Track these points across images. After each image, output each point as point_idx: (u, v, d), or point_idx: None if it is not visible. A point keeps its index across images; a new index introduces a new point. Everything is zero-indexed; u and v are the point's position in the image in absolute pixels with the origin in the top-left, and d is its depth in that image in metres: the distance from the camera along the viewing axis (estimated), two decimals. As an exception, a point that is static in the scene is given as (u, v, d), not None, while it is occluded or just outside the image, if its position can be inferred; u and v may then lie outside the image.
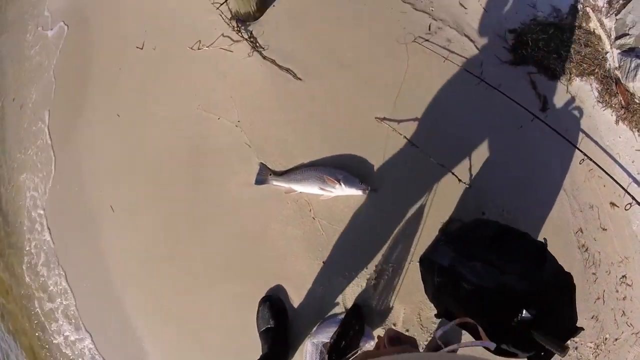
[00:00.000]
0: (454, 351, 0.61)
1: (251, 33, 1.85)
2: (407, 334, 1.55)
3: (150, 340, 1.71)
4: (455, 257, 1.28)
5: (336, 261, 1.55)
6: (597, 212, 1.70)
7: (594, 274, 1.67)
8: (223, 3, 1.85)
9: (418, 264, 1.49)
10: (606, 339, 1.64)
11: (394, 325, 1.58)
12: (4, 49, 2.47)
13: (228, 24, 1.88)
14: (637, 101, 1.74)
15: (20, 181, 2.13)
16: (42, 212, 2.02)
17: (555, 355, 0.99)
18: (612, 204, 1.69)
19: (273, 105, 1.70)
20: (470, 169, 1.59)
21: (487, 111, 1.66)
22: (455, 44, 1.75)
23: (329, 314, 1.59)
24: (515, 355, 1.06)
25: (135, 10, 2.09)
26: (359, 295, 1.56)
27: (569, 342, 1.03)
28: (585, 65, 1.77)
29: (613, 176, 1.52)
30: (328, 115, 1.65)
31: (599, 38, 1.82)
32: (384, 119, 1.60)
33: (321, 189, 1.51)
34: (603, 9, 1.84)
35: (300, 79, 1.70)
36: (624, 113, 1.73)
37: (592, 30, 1.83)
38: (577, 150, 1.62)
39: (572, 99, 1.75)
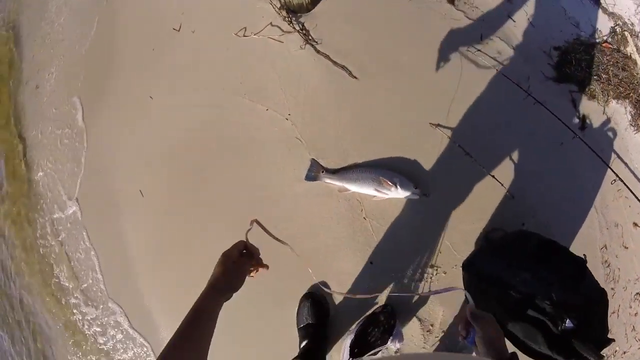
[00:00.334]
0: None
1: (303, 25, 1.81)
2: (443, 335, 1.62)
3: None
4: (503, 266, 1.34)
5: (383, 262, 1.57)
6: (621, 230, 1.80)
7: (612, 289, 1.77)
8: (275, -9, 1.80)
9: (461, 268, 1.54)
10: (616, 351, 1.76)
11: (432, 326, 1.63)
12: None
13: (278, 13, 1.84)
14: (666, 128, 1.85)
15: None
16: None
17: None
18: (635, 224, 1.80)
19: (326, 101, 1.69)
20: (514, 181, 1.65)
21: (533, 126, 1.72)
22: (505, 56, 1.79)
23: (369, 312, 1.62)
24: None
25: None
26: (399, 295, 1.59)
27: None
28: (621, 89, 1.86)
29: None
30: (382, 117, 1.65)
31: (635, 63, 1.91)
32: (438, 125, 1.62)
33: (376, 190, 1.52)
34: (640, 34, 1.93)
35: (355, 77, 1.69)
36: (653, 138, 1.84)
37: (629, 54, 1.92)
38: (609, 170, 1.72)
39: (608, 120, 1.84)
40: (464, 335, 0.86)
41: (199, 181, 1.79)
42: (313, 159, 1.63)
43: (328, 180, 1.58)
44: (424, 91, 1.67)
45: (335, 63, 1.71)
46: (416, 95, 1.67)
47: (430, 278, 1.59)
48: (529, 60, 1.80)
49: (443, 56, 1.72)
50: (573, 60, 1.83)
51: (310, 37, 1.78)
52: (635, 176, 1.83)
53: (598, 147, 1.71)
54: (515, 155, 1.68)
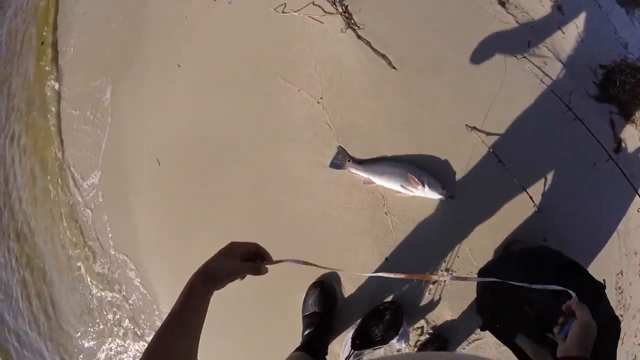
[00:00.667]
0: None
1: (346, 7, 1.75)
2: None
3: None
4: (521, 280, 1.31)
5: (399, 260, 1.54)
6: (638, 258, 1.77)
7: (621, 315, 1.75)
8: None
9: (476, 276, 1.51)
10: (615, 379, 1.75)
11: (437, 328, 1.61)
12: None
13: (321, -8, 1.77)
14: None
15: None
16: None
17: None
18: (654, 254, 1.77)
19: (362, 89, 1.64)
20: (543, 194, 1.61)
21: (568, 142, 1.67)
22: (550, 67, 1.73)
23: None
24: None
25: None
26: (410, 294, 1.56)
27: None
28: (660, 118, 1.80)
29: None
30: (417, 112, 1.60)
31: (678, 93, 1.85)
32: (474, 128, 1.57)
33: (402, 186, 1.48)
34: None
35: (395, 68, 1.64)
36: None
37: (673, 83, 1.85)
38: (637, 197, 1.67)
39: (642, 146, 1.79)
40: (560, 327, 0.88)
41: (220, 155, 1.76)
42: (340, 146, 1.59)
43: (353, 170, 1.54)
44: (464, 91, 1.62)
45: (375, 51, 1.65)
46: (455, 95, 1.61)
47: (444, 282, 1.56)
48: (573, 75, 1.74)
49: (487, 58, 1.66)
50: (617, 81, 1.77)
51: (352, 21, 1.72)
52: (658, 206, 1.79)
53: (629, 172, 1.67)
54: (546, 169, 1.64)
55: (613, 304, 1.71)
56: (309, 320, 1.54)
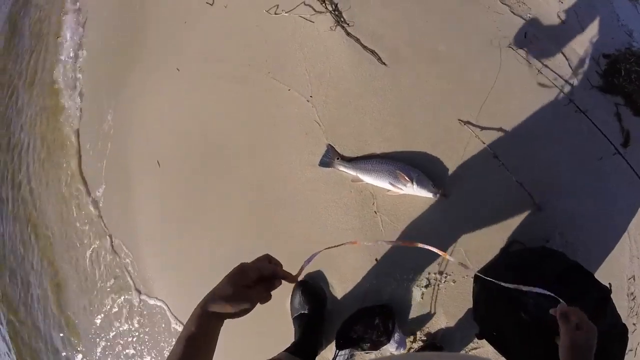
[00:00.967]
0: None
1: (336, 6, 1.73)
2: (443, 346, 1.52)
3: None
4: (520, 286, 1.24)
5: (389, 261, 1.49)
6: (652, 261, 1.65)
7: (634, 324, 1.63)
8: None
9: (472, 279, 1.44)
10: (628, 394, 1.62)
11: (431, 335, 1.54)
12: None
13: (311, -9, 1.76)
14: None
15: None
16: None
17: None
18: (666, 256, 1.65)
19: (351, 86, 1.60)
20: (545, 193, 1.52)
21: (571, 136, 1.59)
22: (549, 57, 1.66)
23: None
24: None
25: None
26: (402, 298, 1.50)
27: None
28: (671, 108, 1.69)
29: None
30: (408, 108, 1.56)
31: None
32: (468, 122, 1.51)
33: (391, 184, 1.43)
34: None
35: (385, 64, 1.60)
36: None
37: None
38: (649, 193, 1.57)
39: (654, 140, 1.68)
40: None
41: (211, 152, 1.75)
42: (329, 144, 1.56)
43: (342, 168, 1.51)
44: (457, 85, 1.57)
45: (365, 47, 1.62)
46: (447, 89, 1.56)
47: (438, 285, 1.50)
48: (575, 65, 1.66)
49: (482, 50, 1.60)
50: (622, 71, 1.68)
51: (342, 19, 1.69)
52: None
53: (638, 166, 1.57)
54: (547, 165, 1.55)
55: (625, 311, 1.60)
56: (299, 322, 1.51)
